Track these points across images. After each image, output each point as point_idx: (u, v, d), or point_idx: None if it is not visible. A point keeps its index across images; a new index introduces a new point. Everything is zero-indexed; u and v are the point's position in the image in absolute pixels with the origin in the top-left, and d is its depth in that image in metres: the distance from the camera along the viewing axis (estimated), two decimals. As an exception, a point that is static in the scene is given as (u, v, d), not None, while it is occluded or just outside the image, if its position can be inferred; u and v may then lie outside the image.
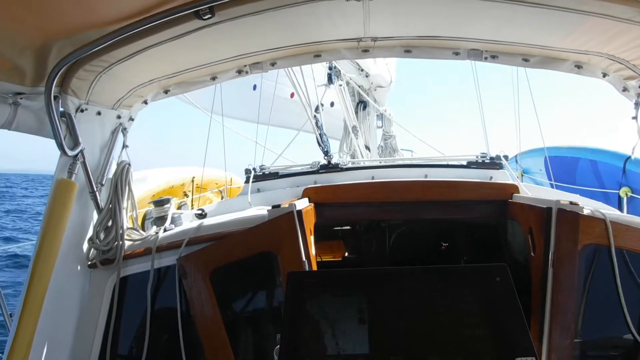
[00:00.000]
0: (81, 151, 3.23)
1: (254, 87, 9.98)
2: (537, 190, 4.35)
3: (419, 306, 2.38)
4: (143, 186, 8.27)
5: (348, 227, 5.29)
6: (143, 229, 3.82)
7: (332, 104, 9.15)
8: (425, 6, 3.02)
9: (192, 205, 8.70)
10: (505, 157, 4.91)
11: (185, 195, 9.75)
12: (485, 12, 3.03)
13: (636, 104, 3.49)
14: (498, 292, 2.36)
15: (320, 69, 7.01)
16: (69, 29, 2.61)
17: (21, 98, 2.91)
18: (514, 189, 4.00)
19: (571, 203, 3.06)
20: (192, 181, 9.86)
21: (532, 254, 3.26)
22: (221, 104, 7.58)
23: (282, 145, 7.34)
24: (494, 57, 3.73)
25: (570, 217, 3.01)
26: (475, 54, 3.75)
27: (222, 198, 9.84)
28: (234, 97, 8.75)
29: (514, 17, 3.04)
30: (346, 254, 5.33)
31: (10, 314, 4.35)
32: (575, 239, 2.98)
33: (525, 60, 3.70)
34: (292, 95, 9.87)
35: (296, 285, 2.45)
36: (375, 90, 8.54)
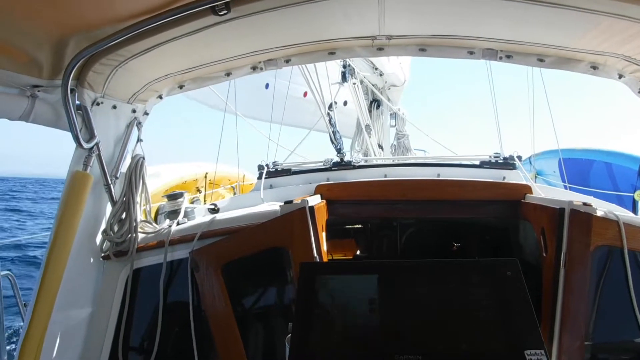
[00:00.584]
0: (96, 144, 3.27)
1: (267, 86, 10.01)
2: (550, 191, 4.33)
3: (430, 298, 2.39)
4: (157, 181, 8.33)
5: (360, 226, 5.30)
6: (156, 224, 3.86)
7: (345, 103, 9.16)
8: (441, 5, 3.01)
9: (204, 200, 8.74)
10: (519, 157, 4.88)
11: (198, 190, 9.80)
12: (501, 12, 3.02)
13: None
14: (509, 286, 2.37)
15: (334, 67, 7.02)
16: (86, 23, 2.64)
17: (39, 91, 2.95)
18: (527, 189, 3.98)
19: (584, 204, 3.04)
20: (205, 177, 9.91)
21: (544, 255, 3.24)
22: (235, 101, 7.61)
23: (295, 143, 7.37)
24: (508, 56, 3.72)
25: (583, 218, 2.99)
26: (490, 54, 3.74)
27: (234, 194, 9.88)
28: (246, 95, 8.79)
29: (529, 16, 3.02)
30: (357, 253, 5.34)
31: (24, 303, 4.43)
32: (587, 240, 2.96)
33: (541, 60, 3.68)
34: (305, 94, 9.91)
35: (308, 275, 2.47)
36: (389, 89, 8.53)
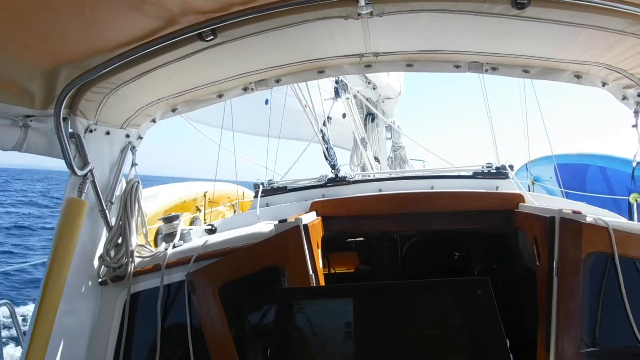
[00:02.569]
0: (90, 170, 3.31)
1: (266, 102, 10.05)
2: (542, 199, 4.35)
3: (403, 319, 2.41)
4: (155, 202, 8.34)
5: (361, 239, 5.31)
6: (155, 245, 3.87)
7: (344, 116, 9.16)
8: (423, 22, 3.06)
9: (204, 219, 8.75)
10: (511, 166, 4.91)
11: (198, 209, 9.81)
12: (481, 26, 3.08)
13: (635, 112, 3.52)
14: (479, 305, 2.38)
15: (327, 83, 7.07)
16: (76, 53, 2.69)
17: (31, 120, 2.99)
18: (520, 198, 4.00)
19: (574, 212, 3.06)
20: (204, 196, 9.92)
21: (537, 263, 3.26)
22: (232, 121, 7.65)
23: (293, 154, 7.40)
24: (494, 69, 3.77)
25: (573, 225, 3.01)
26: (476, 67, 3.79)
27: (234, 212, 9.89)
28: (245, 111, 8.82)
29: (512, 30, 3.07)
30: (358, 266, 5.35)
31: (24, 332, 4.44)
32: (578, 247, 2.98)
33: (525, 71, 3.74)
34: (305, 106, 9.94)
35: (285, 301, 2.50)
36: (384, 101, 8.58)
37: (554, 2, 2.60)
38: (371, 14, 2.76)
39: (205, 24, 2.62)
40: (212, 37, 2.72)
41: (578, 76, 3.61)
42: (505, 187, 4.68)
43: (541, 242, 3.24)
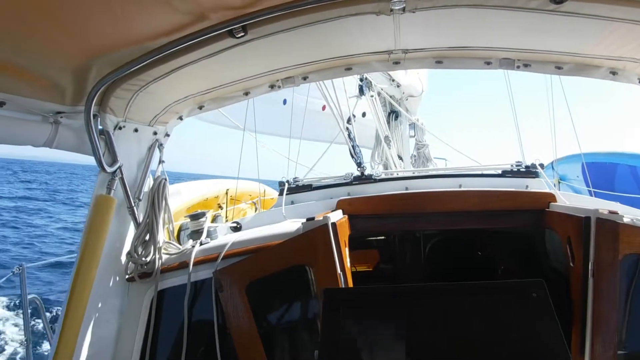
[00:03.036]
0: (119, 167, 3.32)
1: (284, 102, 10.04)
2: (574, 198, 4.26)
3: (456, 323, 2.36)
4: (178, 199, 8.37)
5: (382, 237, 5.27)
6: (178, 242, 3.88)
7: (363, 114, 9.14)
8: (456, 17, 3.00)
9: (226, 217, 8.77)
10: (541, 165, 4.82)
11: (220, 207, 9.81)
12: (516, 22, 3.01)
13: None
14: (535, 308, 2.33)
15: (351, 80, 7.03)
16: (107, 49, 2.69)
17: (61, 117, 3.01)
18: (551, 197, 3.93)
19: (610, 212, 2.99)
20: (226, 193, 9.92)
21: (572, 264, 3.20)
22: (254, 120, 7.65)
23: (314, 156, 7.37)
24: (526, 65, 3.70)
25: (609, 226, 2.95)
26: (508, 63, 3.72)
27: (255, 210, 9.89)
28: (264, 112, 8.80)
29: (546, 25, 3.00)
30: (380, 264, 5.31)
31: (51, 326, 4.49)
32: (615, 248, 2.92)
33: (558, 68, 3.65)
34: (323, 107, 9.91)
35: (332, 302, 2.46)
36: (407, 100, 8.51)
37: None
38: (404, 9, 2.71)
39: (236, 20, 2.59)
40: (242, 33, 2.70)
41: (614, 72, 3.52)
42: (535, 186, 4.60)
43: (575, 242, 3.18)
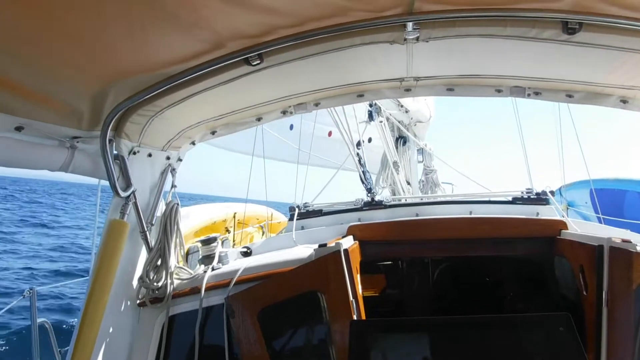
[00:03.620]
0: (133, 192, 3.33)
1: (291, 127, 10.11)
2: (585, 226, 4.24)
3: (482, 356, 2.34)
4: (186, 222, 8.39)
5: (390, 262, 5.25)
6: (187, 264, 3.87)
7: (369, 140, 9.18)
8: (468, 46, 3.04)
9: (233, 240, 8.77)
10: (552, 192, 4.81)
11: (227, 230, 9.83)
12: (528, 51, 3.03)
13: None
14: (562, 342, 2.30)
15: (360, 106, 7.07)
16: (126, 75, 2.73)
17: (78, 142, 3.04)
18: (562, 225, 3.91)
19: (623, 240, 2.98)
20: (234, 217, 9.95)
21: (584, 293, 3.17)
22: (262, 145, 7.70)
23: (320, 180, 7.40)
24: (537, 93, 3.72)
25: (623, 255, 2.93)
26: (518, 91, 3.74)
27: (262, 233, 9.89)
28: (271, 137, 8.87)
29: (557, 54, 3.03)
30: (388, 289, 5.28)
31: (59, 350, 4.46)
32: (629, 277, 2.89)
33: (569, 96, 3.68)
34: (329, 133, 9.97)
35: (359, 333, 2.45)
36: (415, 125, 8.55)
37: (607, 27, 2.56)
38: (417, 39, 2.75)
39: (252, 48, 2.64)
40: (258, 61, 2.74)
41: (624, 101, 3.53)
42: (545, 213, 4.59)
43: (588, 271, 3.16)
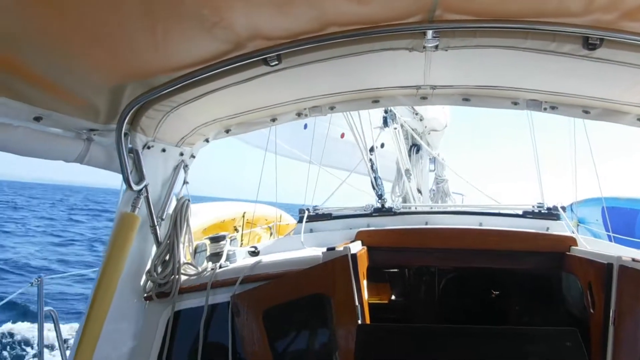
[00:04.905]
0: (145, 186, 3.35)
1: (305, 127, 10.11)
2: (596, 243, 4.22)
3: None
4: (195, 220, 8.39)
5: (396, 270, 5.24)
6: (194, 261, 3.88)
7: (382, 145, 9.15)
8: (487, 57, 3.03)
9: (241, 240, 8.77)
10: (563, 208, 4.78)
11: (235, 230, 9.83)
12: (546, 64, 3.02)
13: None
14: (569, 358, 2.28)
15: (375, 112, 7.06)
16: (143, 70, 2.75)
17: (94, 134, 3.07)
18: (572, 241, 3.89)
19: (634, 260, 2.95)
20: (243, 216, 9.95)
21: (591, 311, 3.14)
22: (275, 144, 7.71)
23: (330, 182, 7.38)
24: (553, 108, 3.70)
25: (632, 274, 2.90)
26: (535, 105, 3.73)
27: (270, 234, 9.89)
28: (285, 135, 8.87)
29: (576, 69, 3.01)
30: (393, 297, 5.26)
31: (64, 339, 4.47)
32: (638, 296, 2.87)
33: (586, 112, 3.65)
34: (342, 135, 9.95)
35: (366, 338, 2.44)
36: (429, 133, 8.52)
37: (628, 45, 2.54)
38: (436, 47, 2.74)
39: (271, 49, 2.65)
40: (276, 62, 2.75)
41: None
42: (556, 228, 4.56)
43: (597, 288, 3.14)
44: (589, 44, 2.55)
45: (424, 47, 2.74)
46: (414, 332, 2.61)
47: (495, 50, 2.83)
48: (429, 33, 2.59)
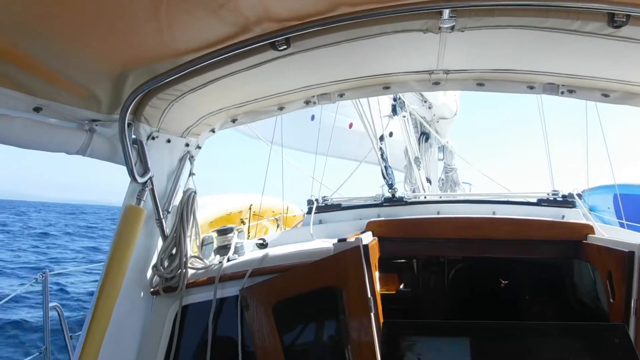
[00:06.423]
0: (150, 178, 3.26)
1: (312, 118, 10.03)
2: (613, 231, 4.12)
3: None
4: (202, 212, 8.35)
5: (403, 260, 5.16)
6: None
7: (390, 134, 9.06)
8: (504, 38, 2.91)
9: (248, 232, 8.72)
10: (579, 195, 4.68)
11: (242, 222, 9.79)
12: (566, 45, 2.91)
13: None
14: (617, 355, 2.17)
15: (384, 100, 6.96)
16: (147, 57, 2.66)
17: (96, 125, 2.98)
18: (589, 229, 3.80)
19: None
20: (250, 208, 9.90)
21: (611, 300, 3.05)
22: (281, 135, 7.62)
23: (339, 173, 7.28)
24: (571, 91, 3.58)
25: None
26: (552, 88, 3.61)
27: (277, 226, 9.84)
28: (292, 127, 8.79)
29: (596, 50, 2.90)
30: (402, 287, 5.19)
31: (70, 336, 4.42)
32: None
33: (605, 95, 3.54)
34: (350, 125, 9.86)
35: (393, 335, 2.34)
36: (438, 121, 8.41)
37: None
38: (452, 28, 2.62)
39: (279, 32, 2.54)
40: (285, 46, 2.64)
41: None
42: (571, 216, 4.45)
43: (617, 277, 3.04)
44: (615, 21, 2.43)
45: (439, 28, 2.62)
46: (445, 328, 2.51)
47: (513, 30, 2.71)
48: (446, 12, 2.47)
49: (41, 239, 39.95)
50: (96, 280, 3.24)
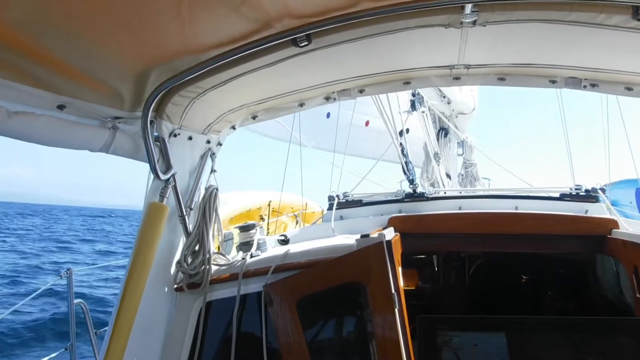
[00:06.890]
0: (173, 175, 3.28)
1: (328, 115, 10.02)
2: (637, 225, 4.06)
3: None
4: (222, 209, 8.38)
5: (423, 256, 5.15)
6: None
7: (407, 131, 9.02)
8: (526, 32, 2.88)
9: (267, 229, 8.75)
10: (602, 189, 4.62)
11: (262, 218, 9.82)
12: (590, 39, 2.86)
13: None
14: None
15: (403, 95, 6.94)
16: (169, 55, 2.67)
17: (119, 122, 3.01)
18: (613, 224, 3.76)
19: None
20: (269, 205, 9.92)
21: (638, 295, 3.01)
22: (299, 132, 7.63)
23: (357, 172, 7.27)
24: (593, 85, 3.53)
25: None
26: (574, 82, 3.56)
27: (296, 223, 9.85)
28: (308, 125, 8.80)
29: (620, 43, 2.85)
30: (420, 283, 5.17)
31: (95, 332, 4.48)
32: None
33: (628, 89, 3.48)
34: (367, 123, 9.83)
35: (429, 330, 2.33)
36: (457, 117, 8.36)
37: None
38: (474, 22, 2.60)
39: (301, 28, 2.53)
40: (306, 42, 2.64)
41: None
42: (595, 211, 4.39)
43: None
44: (639, 14, 2.39)
45: (461, 22, 2.59)
46: (482, 323, 2.49)
47: (535, 24, 2.67)
48: (468, 7, 2.45)
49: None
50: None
